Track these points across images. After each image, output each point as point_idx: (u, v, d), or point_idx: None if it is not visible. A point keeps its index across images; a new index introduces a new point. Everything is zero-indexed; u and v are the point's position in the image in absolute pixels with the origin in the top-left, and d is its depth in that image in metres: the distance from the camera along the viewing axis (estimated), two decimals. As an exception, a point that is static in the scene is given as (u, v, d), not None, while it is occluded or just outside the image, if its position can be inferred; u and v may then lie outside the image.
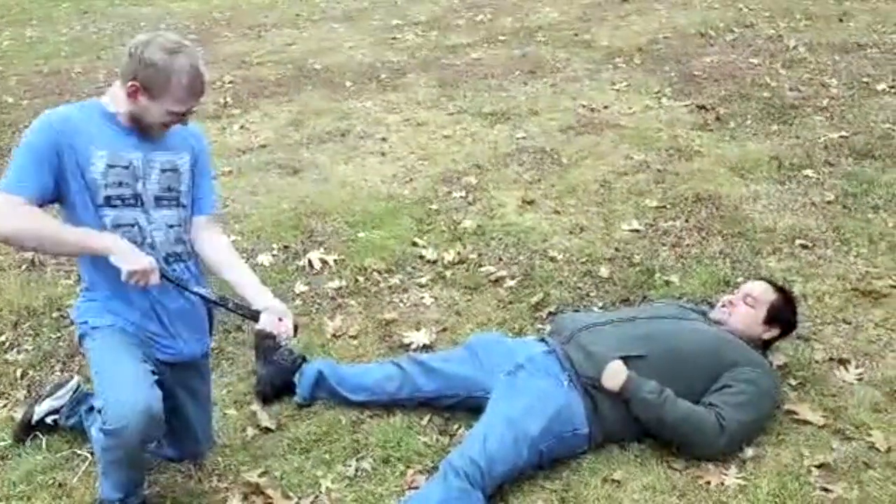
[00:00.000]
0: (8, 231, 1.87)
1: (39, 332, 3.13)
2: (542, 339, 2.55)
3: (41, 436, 2.49)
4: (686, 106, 5.09)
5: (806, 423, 2.38)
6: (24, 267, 3.62)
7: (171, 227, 2.08)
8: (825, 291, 3.03)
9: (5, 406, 2.71)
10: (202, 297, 2.10)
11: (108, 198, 1.96)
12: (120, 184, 1.97)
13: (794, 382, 2.56)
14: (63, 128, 1.90)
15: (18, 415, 2.57)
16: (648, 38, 6.75)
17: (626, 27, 7.26)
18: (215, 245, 2.17)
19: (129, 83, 1.90)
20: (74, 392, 2.47)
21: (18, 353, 3.02)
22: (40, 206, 1.92)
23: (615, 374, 2.31)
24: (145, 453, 2.09)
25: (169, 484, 2.31)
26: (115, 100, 1.99)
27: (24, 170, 1.89)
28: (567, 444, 2.27)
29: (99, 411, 1.89)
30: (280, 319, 2.03)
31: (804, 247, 3.35)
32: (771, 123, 4.67)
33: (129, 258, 1.89)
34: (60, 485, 2.32)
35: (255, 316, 2.06)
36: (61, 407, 2.47)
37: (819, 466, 2.22)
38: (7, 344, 3.06)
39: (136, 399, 1.85)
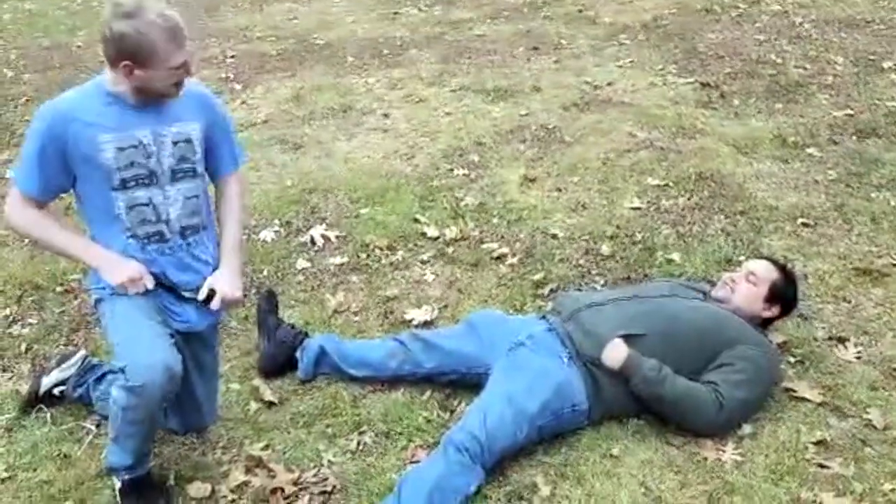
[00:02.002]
0: (19, 228, 2.07)
1: (43, 307, 3.15)
2: (543, 317, 2.57)
3: (46, 409, 2.52)
4: (690, 83, 5.06)
5: (804, 400, 2.40)
6: (27, 241, 3.63)
7: (189, 198, 2.08)
8: (826, 270, 3.04)
9: (10, 379, 2.73)
10: (194, 300, 2.14)
11: (123, 180, 1.97)
12: (132, 164, 1.97)
13: (792, 360, 2.58)
14: (64, 121, 1.90)
15: (23, 388, 2.60)
16: (654, 15, 6.70)
17: (631, 3, 7.19)
18: (222, 203, 2.23)
19: (121, 65, 1.87)
20: (82, 363, 2.50)
21: (23, 327, 3.03)
22: (54, 197, 2.02)
23: (616, 352, 2.32)
24: (160, 417, 2.11)
25: (173, 456, 2.34)
26: (115, 81, 1.96)
27: (34, 168, 1.94)
28: (566, 420, 2.29)
29: (121, 370, 1.92)
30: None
31: (806, 225, 3.35)
32: (775, 101, 4.65)
33: (114, 273, 1.99)
34: (65, 456, 2.35)
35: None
36: (68, 378, 2.49)
37: (816, 443, 2.24)
38: (11, 318, 3.08)
39: (158, 358, 1.90)
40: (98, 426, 2.45)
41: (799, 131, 4.22)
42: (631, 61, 5.59)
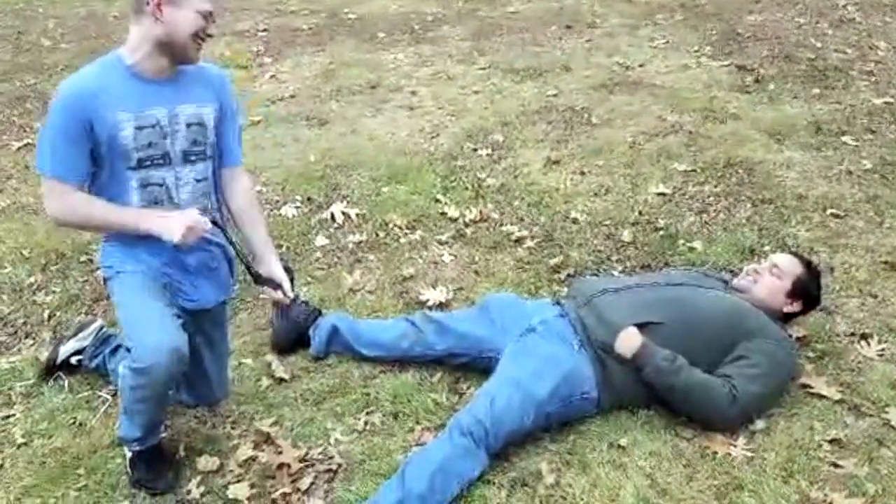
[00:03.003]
0: (57, 216, 1.99)
1: (68, 275, 3.20)
2: (557, 302, 2.54)
3: (64, 377, 2.56)
4: (726, 66, 4.95)
5: (821, 397, 2.35)
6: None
7: (199, 181, 2.08)
8: (853, 263, 2.95)
9: (32, 346, 2.79)
10: (232, 243, 2.15)
11: (139, 160, 1.96)
12: (150, 144, 1.96)
13: (812, 355, 2.52)
14: (85, 102, 1.88)
15: (44, 355, 2.64)
16: (692, -6, 6.54)
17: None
18: (239, 197, 2.20)
19: (151, 1, 1.86)
20: (97, 334, 2.53)
21: (46, 294, 3.09)
22: (87, 178, 1.97)
23: (629, 341, 2.28)
24: (167, 395, 2.13)
25: (184, 429, 2.37)
26: (134, 46, 1.94)
27: (61, 153, 1.91)
28: (575, 408, 2.26)
29: (128, 350, 1.94)
30: (277, 287, 2.18)
31: (835, 216, 3.26)
32: (812, 86, 4.52)
33: (171, 231, 1.92)
34: (80, 424, 2.40)
35: (256, 278, 2.20)
36: (84, 348, 2.53)
37: (831, 441, 2.19)
38: (36, 285, 3.14)
39: (165, 340, 1.90)
40: (114, 396, 2.48)
41: (835, 118, 4.10)
42: (666, 42, 5.48)
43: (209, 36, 1.99)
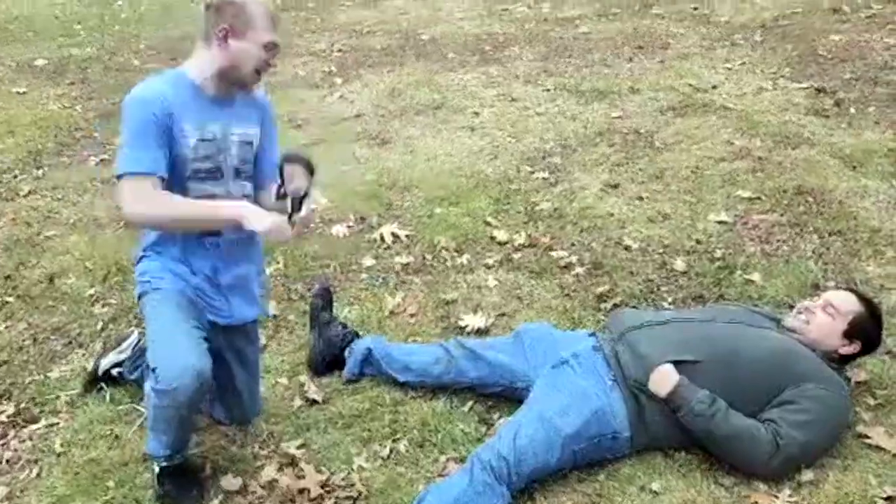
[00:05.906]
0: (141, 214, 1.95)
1: (125, 288, 3.30)
2: (593, 334, 2.44)
3: (106, 388, 2.63)
4: (803, 88, 4.71)
5: (878, 448, 2.16)
6: (121, 223, 3.82)
7: (245, 196, 2.13)
8: (928, 304, 2.73)
9: (83, 356, 2.88)
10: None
11: (195, 170, 2.02)
12: (207, 157, 2.03)
13: (872, 403, 2.33)
14: (163, 103, 1.93)
15: (90, 366, 2.73)
16: (776, 14, 6.29)
17: (754, 1, 6.78)
18: None
19: (219, 28, 1.95)
20: (135, 346, 2.59)
21: (103, 306, 3.20)
22: (165, 178, 1.97)
23: (664, 380, 2.17)
24: (194, 415, 2.16)
25: (213, 446, 2.39)
26: (199, 66, 2.02)
27: (146, 149, 1.92)
28: (605, 448, 2.16)
29: (152, 370, 1.96)
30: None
31: (912, 252, 3.03)
32: (897, 111, 4.24)
33: (262, 219, 1.90)
34: (116, 437, 2.45)
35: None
36: (123, 361, 2.59)
37: (886, 499, 2.02)
38: (95, 297, 3.25)
39: (188, 363, 1.90)
40: (150, 409, 2.53)
41: (921, 146, 3.83)
42: (742, 63, 5.27)
43: (271, 66, 2.04)
